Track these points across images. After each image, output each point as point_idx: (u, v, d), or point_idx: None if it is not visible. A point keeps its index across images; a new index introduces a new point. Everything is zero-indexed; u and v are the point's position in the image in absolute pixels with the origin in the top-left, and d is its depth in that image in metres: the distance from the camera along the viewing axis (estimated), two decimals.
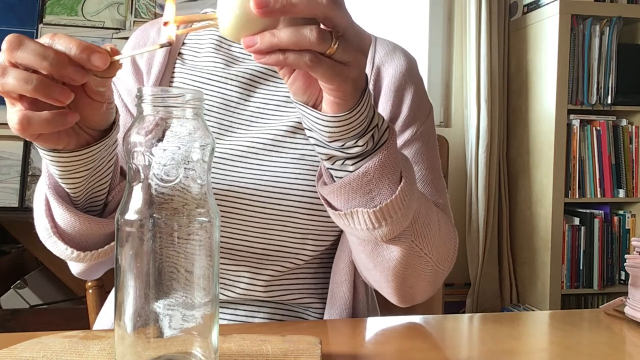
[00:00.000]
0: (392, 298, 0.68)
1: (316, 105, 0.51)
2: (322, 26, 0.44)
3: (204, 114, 0.72)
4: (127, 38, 2.19)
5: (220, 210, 0.69)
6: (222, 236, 0.69)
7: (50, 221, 0.60)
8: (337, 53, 0.44)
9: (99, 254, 0.62)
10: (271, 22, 0.44)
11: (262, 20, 0.43)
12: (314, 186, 0.70)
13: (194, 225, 0.41)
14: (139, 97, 0.41)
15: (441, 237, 0.65)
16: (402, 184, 0.55)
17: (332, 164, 0.55)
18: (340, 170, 0.55)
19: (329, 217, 0.70)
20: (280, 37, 0.42)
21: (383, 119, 0.54)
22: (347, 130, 0.50)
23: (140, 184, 0.41)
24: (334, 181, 0.56)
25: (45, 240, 0.63)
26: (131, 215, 0.41)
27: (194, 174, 0.42)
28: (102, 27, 2.21)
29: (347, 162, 0.54)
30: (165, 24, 0.46)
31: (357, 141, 0.52)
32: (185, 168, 0.41)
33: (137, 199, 0.41)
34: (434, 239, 0.63)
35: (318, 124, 0.51)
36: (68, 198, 0.59)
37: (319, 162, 0.71)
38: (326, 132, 0.51)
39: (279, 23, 0.44)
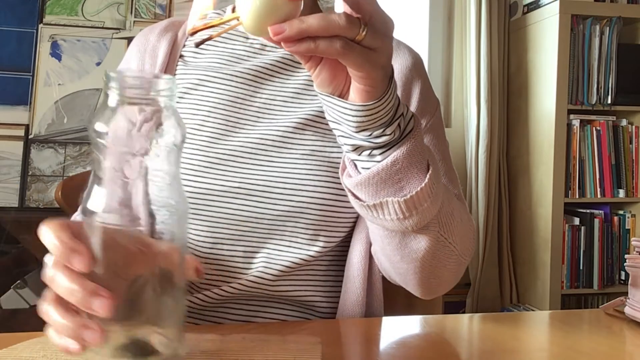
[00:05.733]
0: (416, 290, 0.68)
1: (342, 96, 0.51)
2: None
3: (211, 111, 0.72)
4: (126, 38, 2.20)
5: (231, 208, 0.69)
6: (233, 232, 0.70)
7: None
8: (365, 39, 0.44)
9: None
10: (295, 11, 0.44)
11: (286, 9, 0.43)
12: (325, 181, 0.70)
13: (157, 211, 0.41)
14: (107, 82, 0.41)
15: (463, 226, 0.65)
16: (430, 171, 0.54)
17: (359, 155, 0.55)
18: (368, 160, 0.54)
19: (340, 211, 0.71)
20: (309, 23, 0.43)
21: (407, 107, 0.54)
22: (375, 119, 0.50)
23: (104, 171, 0.41)
24: (360, 173, 0.56)
25: None
26: (93, 204, 0.40)
27: (160, 160, 0.41)
28: (102, 27, 2.21)
29: (375, 152, 0.53)
30: (192, 33, 0.46)
31: (384, 130, 0.51)
32: (151, 155, 0.41)
33: (100, 186, 0.41)
34: (457, 228, 0.63)
35: (345, 114, 0.51)
36: None
37: (328, 157, 0.72)
38: (354, 122, 0.51)
39: (301, 12, 0.44)
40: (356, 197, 0.57)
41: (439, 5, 2.50)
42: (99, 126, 0.40)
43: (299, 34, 0.43)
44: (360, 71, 0.46)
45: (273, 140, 0.72)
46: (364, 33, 0.44)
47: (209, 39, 0.48)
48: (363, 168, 0.55)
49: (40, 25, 2.17)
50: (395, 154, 0.53)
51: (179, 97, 0.75)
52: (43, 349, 0.49)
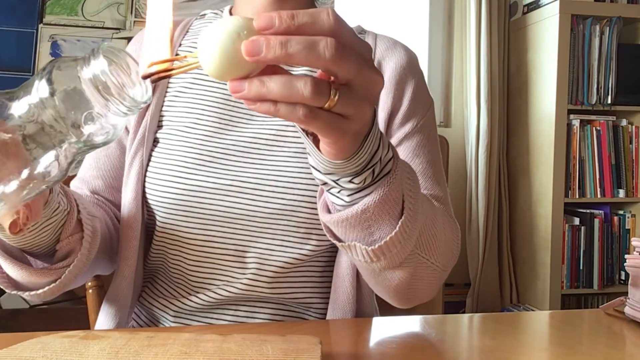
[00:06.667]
0: (394, 304, 0.67)
1: (315, 134, 0.47)
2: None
3: (205, 109, 0.73)
4: (127, 38, 2.20)
5: (223, 205, 0.70)
6: (225, 229, 0.70)
7: None
8: (337, 106, 0.39)
9: (38, 295, 0.62)
10: (257, 68, 0.39)
11: (246, 68, 0.38)
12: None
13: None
14: (93, 56, 0.41)
15: (446, 241, 0.63)
16: (403, 218, 0.51)
17: (328, 190, 0.52)
18: (336, 197, 0.52)
19: None
20: (269, 88, 0.38)
21: (389, 147, 0.49)
22: (342, 171, 0.47)
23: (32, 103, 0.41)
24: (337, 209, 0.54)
25: None
26: (14, 109, 0.41)
27: (72, 143, 0.42)
28: (102, 27, 2.21)
29: (343, 192, 0.51)
30: (144, 77, 0.42)
31: (352, 178, 0.48)
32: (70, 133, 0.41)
33: (20, 102, 0.41)
34: (440, 246, 0.61)
35: (312, 154, 0.48)
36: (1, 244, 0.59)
37: None
38: (320, 165, 0.48)
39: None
40: (331, 232, 0.55)
41: (439, 5, 2.50)
42: (60, 83, 0.40)
43: (257, 97, 0.38)
44: (327, 138, 0.42)
45: (266, 139, 0.72)
46: (335, 98, 0.38)
47: (167, 77, 0.44)
48: (332, 202, 0.53)
49: (40, 25, 2.17)
50: (366, 201, 0.49)
51: (175, 96, 0.76)
52: (43, 349, 0.49)
